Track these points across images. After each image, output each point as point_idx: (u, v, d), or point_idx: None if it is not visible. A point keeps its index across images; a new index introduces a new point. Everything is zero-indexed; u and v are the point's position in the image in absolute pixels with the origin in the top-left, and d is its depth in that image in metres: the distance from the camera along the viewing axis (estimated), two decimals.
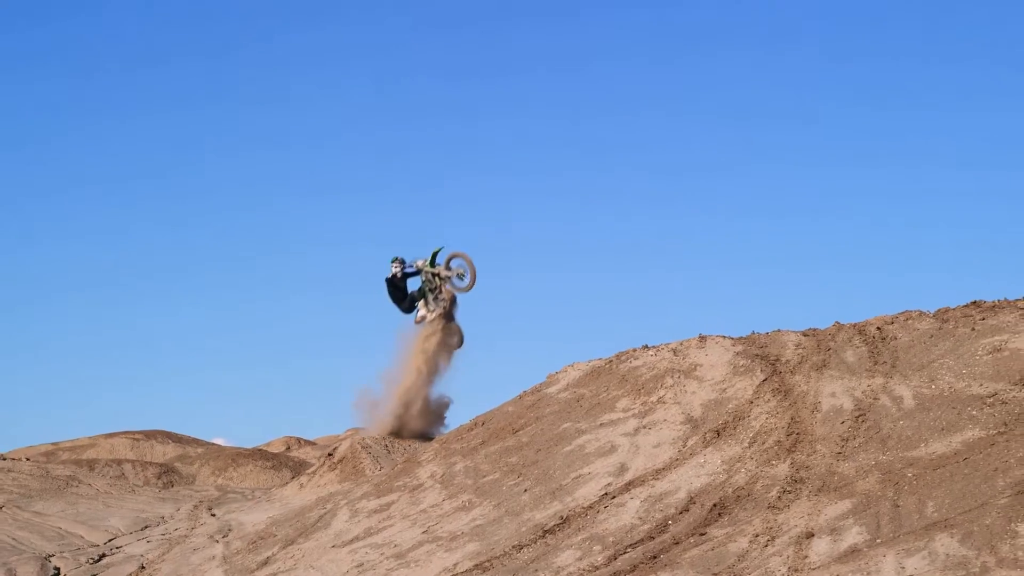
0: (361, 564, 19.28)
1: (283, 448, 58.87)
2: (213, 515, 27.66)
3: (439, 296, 30.33)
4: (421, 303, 30.56)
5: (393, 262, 29.81)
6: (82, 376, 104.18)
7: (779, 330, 21.85)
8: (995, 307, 20.09)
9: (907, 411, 17.33)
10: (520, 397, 23.54)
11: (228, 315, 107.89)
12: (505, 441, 21.51)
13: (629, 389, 21.16)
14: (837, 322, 21.57)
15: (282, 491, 31.75)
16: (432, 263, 29.97)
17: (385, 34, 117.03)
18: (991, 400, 16.80)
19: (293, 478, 34.65)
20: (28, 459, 48.14)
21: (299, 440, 59.36)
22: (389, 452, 33.80)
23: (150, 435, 59.35)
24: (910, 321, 20.38)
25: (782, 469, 16.89)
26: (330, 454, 33.23)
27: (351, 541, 20.70)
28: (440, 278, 30.22)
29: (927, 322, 20.09)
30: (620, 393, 21.15)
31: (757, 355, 20.75)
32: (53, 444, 59.42)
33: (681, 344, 22.16)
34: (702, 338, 22.06)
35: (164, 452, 56.93)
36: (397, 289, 30.37)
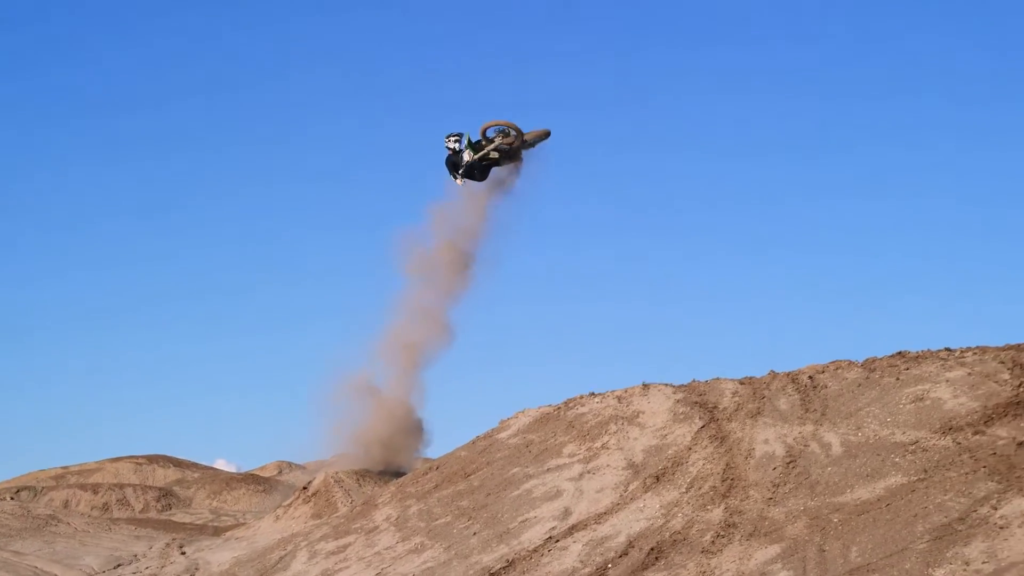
0: None
1: (275, 472, 58.96)
2: (183, 554, 27.19)
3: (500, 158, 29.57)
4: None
5: (448, 139, 28.97)
6: (92, 402, 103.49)
7: (718, 378, 21.65)
8: (919, 357, 19.94)
9: (835, 458, 17.16)
10: (473, 442, 23.27)
11: (234, 340, 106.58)
12: (457, 485, 21.23)
13: (575, 435, 20.93)
14: (772, 370, 21.40)
15: (258, 523, 31.42)
16: (475, 151, 29.14)
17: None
18: (913, 448, 16.66)
19: (283, 500, 34.32)
20: (13, 497, 48.11)
21: (290, 464, 59.16)
22: (360, 485, 33.56)
23: (152, 459, 59.22)
24: (839, 370, 20.21)
25: (717, 514, 16.68)
26: (305, 487, 33.02)
27: None
28: (490, 153, 29.53)
29: (855, 371, 19.94)
30: (567, 439, 20.92)
31: (696, 402, 20.55)
32: (63, 468, 59.40)
33: (625, 391, 21.94)
34: (645, 386, 21.86)
35: (165, 476, 56.87)
36: (455, 166, 29.42)
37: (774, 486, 16.86)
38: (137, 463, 58.47)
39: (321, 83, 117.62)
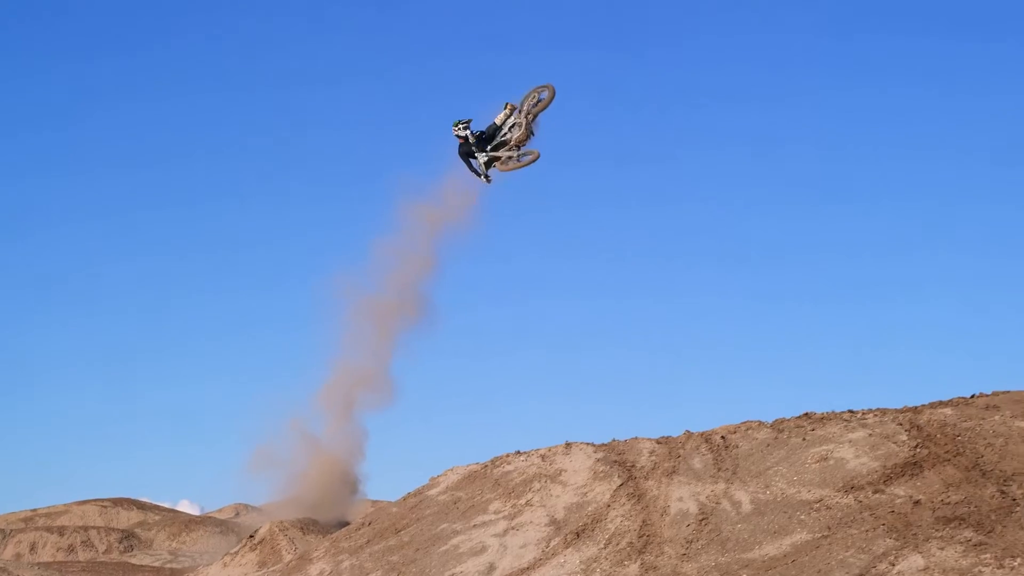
0: None
1: (233, 514, 58.54)
2: None
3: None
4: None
5: (456, 126, 22.30)
6: (61, 445, 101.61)
7: (636, 437, 21.62)
8: (824, 419, 20.05)
9: (745, 515, 17.17)
10: (404, 499, 23.08)
11: (203, 384, 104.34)
12: (388, 540, 21.01)
13: (501, 492, 20.80)
14: (687, 430, 21.41)
15: (207, 570, 30.96)
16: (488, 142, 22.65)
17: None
18: (817, 505, 16.70)
19: (239, 543, 33.87)
20: None
21: (246, 506, 58.60)
22: (304, 534, 33.16)
23: (117, 502, 58.58)
24: (750, 431, 20.28)
25: (633, 570, 16.62)
26: (251, 536, 32.62)
27: None
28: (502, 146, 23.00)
29: (765, 432, 20.01)
30: (493, 496, 20.78)
31: (616, 461, 20.51)
32: (31, 511, 58.64)
33: (549, 450, 21.85)
34: (568, 445, 21.78)
35: (128, 518, 56.35)
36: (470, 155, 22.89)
37: (687, 542, 16.83)
38: (102, 506, 57.93)
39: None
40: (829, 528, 15.89)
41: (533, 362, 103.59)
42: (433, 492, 22.43)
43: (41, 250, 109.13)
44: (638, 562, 16.78)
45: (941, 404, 19.53)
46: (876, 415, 19.68)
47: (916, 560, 14.43)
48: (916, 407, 19.66)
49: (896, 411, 19.52)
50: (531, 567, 17.83)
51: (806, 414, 20.61)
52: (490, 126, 21.62)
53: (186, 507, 63.10)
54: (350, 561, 21.12)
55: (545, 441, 22.20)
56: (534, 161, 21.90)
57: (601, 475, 20.11)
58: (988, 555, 14.23)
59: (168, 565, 44.61)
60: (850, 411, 20.35)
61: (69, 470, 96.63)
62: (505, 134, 21.63)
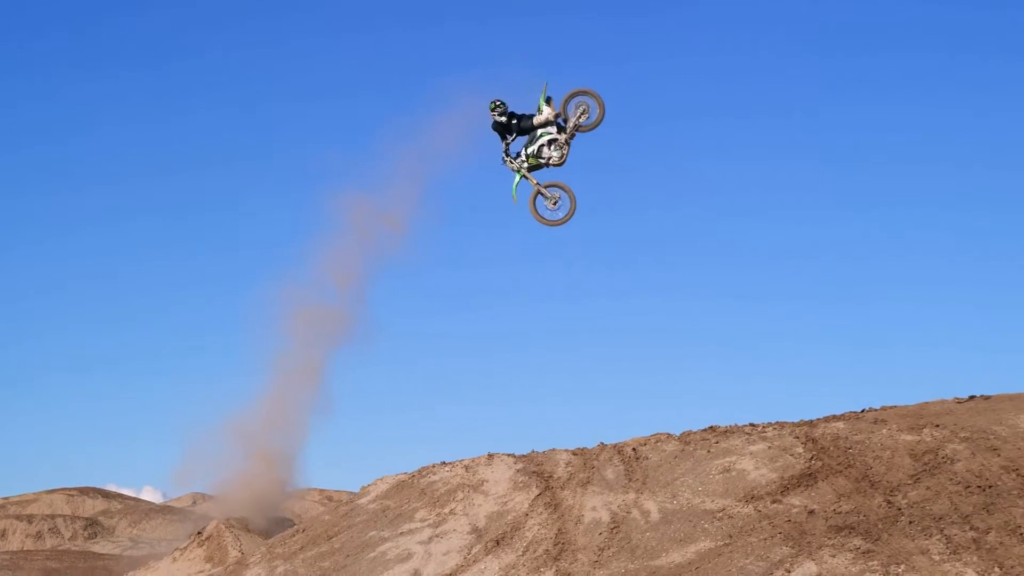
0: None
1: (190, 503, 58.55)
2: None
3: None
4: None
5: (493, 110, 18.48)
6: (33, 433, 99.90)
7: (554, 449, 21.52)
8: (727, 431, 20.07)
9: (653, 524, 17.09)
10: (336, 507, 22.80)
11: (169, 375, 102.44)
12: (320, 547, 20.71)
13: (427, 501, 20.58)
14: (601, 442, 21.34)
15: (157, 564, 30.54)
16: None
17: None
18: (720, 514, 16.67)
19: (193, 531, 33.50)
20: None
21: (203, 495, 58.40)
22: (248, 532, 32.70)
23: (83, 491, 58.69)
24: (659, 443, 20.24)
25: None
26: (199, 532, 32.18)
27: None
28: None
29: (673, 444, 19.98)
30: (419, 505, 20.57)
31: (534, 472, 20.38)
32: (3, 499, 58.70)
33: (473, 461, 21.68)
34: (490, 456, 21.63)
35: (93, 506, 56.43)
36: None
37: (599, 550, 16.72)
38: (70, 494, 58.02)
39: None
40: (731, 536, 15.85)
41: (459, 371, 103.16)
42: (363, 501, 22.17)
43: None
44: (553, 569, 16.64)
45: (834, 418, 19.63)
46: (775, 428, 19.73)
47: (810, 567, 14.43)
48: (812, 421, 19.74)
49: (793, 424, 19.58)
50: (453, 573, 17.63)
51: (711, 427, 20.62)
52: (524, 119, 18.12)
53: (149, 494, 63.20)
54: (284, 567, 20.80)
55: (471, 450, 21.99)
56: (567, 221, 18.15)
57: (520, 485, 19.97)
58: (875, 562, 14.26)
59: (128, 552, 44.60)
60: (751, 424, 20.39)
61: (40, 460, 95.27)
62: (541, 151, 18.22)
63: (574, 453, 21.13)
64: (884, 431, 18.49)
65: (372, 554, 19.40)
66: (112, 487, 61.87)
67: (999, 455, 16.47)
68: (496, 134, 18.52)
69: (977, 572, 13.59)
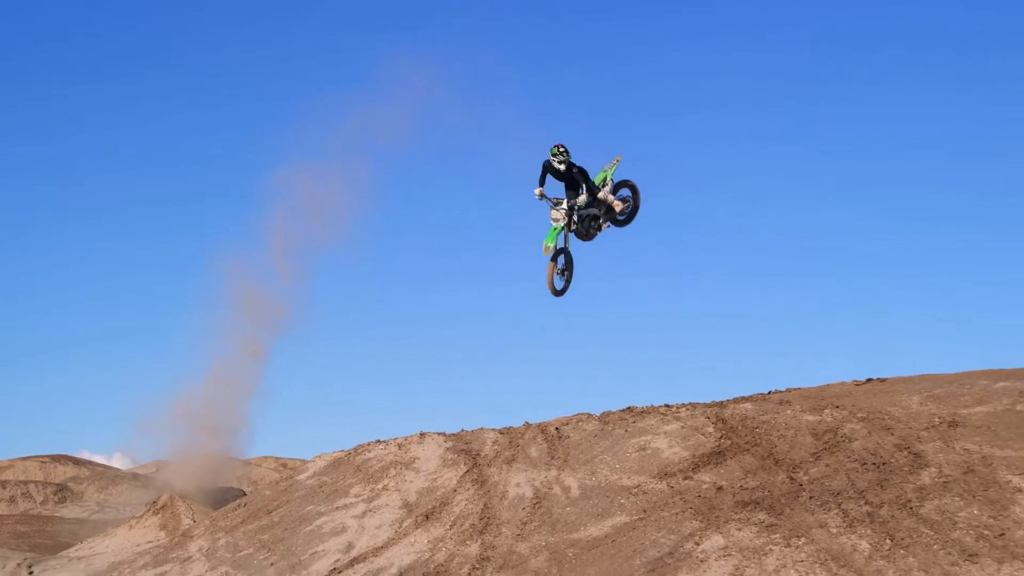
0: None
1: (154, 469, 58.02)
2: (31, 573, 25.74)
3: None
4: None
5: (555, 155, 16.59)
6: (5, 404, 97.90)
7: (482, 428, 21.35)
8: (644, 412, 20.00)
9: (573, 499, 16.98)
10: (276, 483, 22.49)
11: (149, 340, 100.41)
12: (260, 520, 20.40)
13: (361, 477, 20.33)
14: (527, 422, 21.21)
15: (115, 531, 30.07)
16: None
17: None
18: (635, 490, 16.58)
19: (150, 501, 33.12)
20: None
21: (167, 463, 58.21)
22: (201, 502, 32.37)
23: (55, 458, 58.27)
24: (580, 423, 20.13)
25: (474, 548, 16.29)
26: (154, 502, 31.85)
27: None
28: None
29: (593, 424, 19.87)
30: (354, 481, 20.31)
31: (463, 450, 20.20)
32: None
33: (406, 439, 21.46)
34: (422, 435, 21.41)
35: (64, 472, 56.21)
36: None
37: (522, 524, 16.57)
38: (42, 461, 57.78)
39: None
40: (645, 511, 15.77)
41: (394, 353, 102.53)
42: (302, 477, 21.87)
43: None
44: (479, 542, 16.47)
45: (743, 400, 19.63)
46: (688, 409, 19.68)
47: (717, 540, 14.38)
48: (722, 402, 19.74)
49: (705, 406, 19.55)
50: (385, 546, 17.40)
51: (629, 408, 20.55)
52: (582, 175, 16.57)
53: (119, 461, 62.76)
54: (226, 539, 20.47)
55: (404, 430, 21.81)
56: (561, 295, 16.44)
57: (450, 463, 19.78)
58: (778, 535, 14.24)
59: (95, 516, 44.55)
60: (666, 405, 20.33)
61: (16, 429, 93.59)
62: (590, 225, 16.68)
63: (500, 432, 20.97)
64: (788, 412, 18.52)
65: (309, 528, 19.12)
66: (85, 454, 61.74)
67: (892, 434, 16.54)
68: (541, 172, 16.46)
69: (870, 544, 13.60)
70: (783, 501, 15.17)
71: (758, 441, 17.41)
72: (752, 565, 13.50)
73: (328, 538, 18.41)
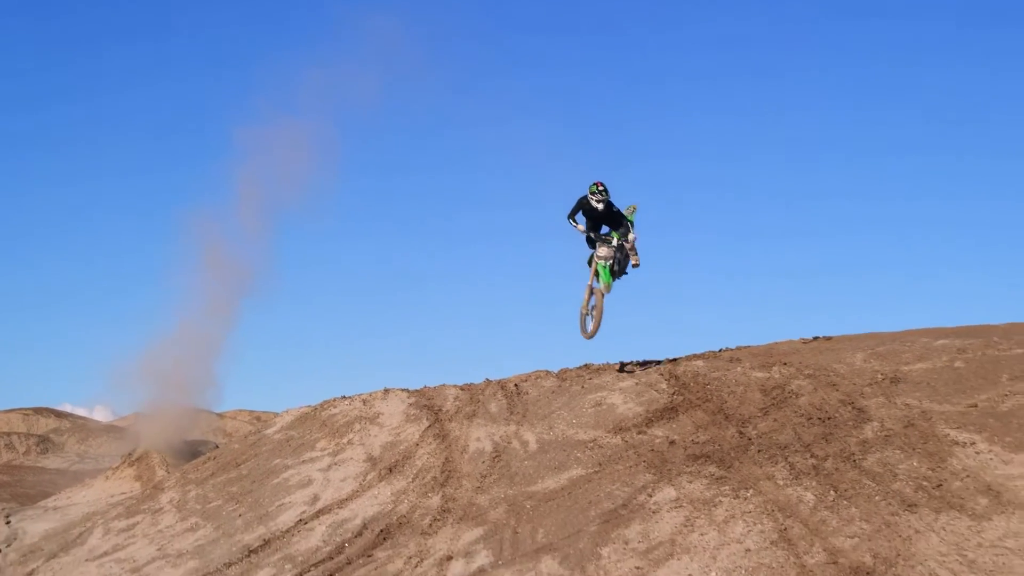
0: None
1: (133, 421, 57.89)
2: (8, 523, 25.44)
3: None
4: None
5: (594, 193, 16.48)
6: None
7: (444, 384, 21.22)
8: (600, 369, 19.94)
9: (531, 453, 16.89)
10: (245, 436, 22.28)
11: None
12: (229, 473, 20.21)
13: (327, 432, 20.17)
14: (487, 378, 21.11)
15: (93, 481, 29.87)
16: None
17: None
18: (591, 445, 16.52)
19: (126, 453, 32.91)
20: None
21: (141, 416, 58.07)
22: (178, 454, 32.25)
23: (38, 411, 58.08)
24: (539, 379, 20.05)
25: (435, 501, 16.19)
26: (129, 454, 31.69)
27: (100, 556, 19.06)
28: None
29: (551, 380, 19.80)
30: (320, 436, 20.14)
31: (425, 405, 20.06)
32: None
33: (370, 395, 21.31)
34: (386, 391, 21.26)
35: (46, 424, 56.03)
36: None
37: (482, 477, 16.48)
38: (25, 414, 57.56)
39: None
40: (600, 464, 15.71)
41: (359, 311, 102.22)
42: (270, 431, 21.68)
43: None
44: (440, 494, 16.37)
45: (695, 357, 19.59)
46: (642, 366, 19.63)
47: (669, 492, 14.33)
48: (675, 359, 19.69)
49: (658, 363, 19.50)
50: (349, 498, 17.27)
51: (586, 365, 20.48)
52: (618, 218, 16.12)
53: (100, 413, 62.56)
54: (196, 491, 20.27)
55: (367, 387, 21.68)
56: (590, 336, 16.52)
57: (412, 418, 19.65)
58: (727, 487, 14.21)
59: (75, 466, 44.86)
60: (621, 362, 20.28)
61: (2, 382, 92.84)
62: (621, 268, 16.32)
63: (462, 389, 20.86)
64: (738, 369, 18.49)
65: (276, 480, 18.96)
66: (67, 407, 61.42)
67: (837, 390, 16.55)
68: (576, 207, 16.30)
69: (815, 495, 13.60)
70: (732, 455, 15.14)
71: (709, 397, 17.37)
72: (702, 516, 13.48)
73: (295, 490, 18.25)
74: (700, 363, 18.88)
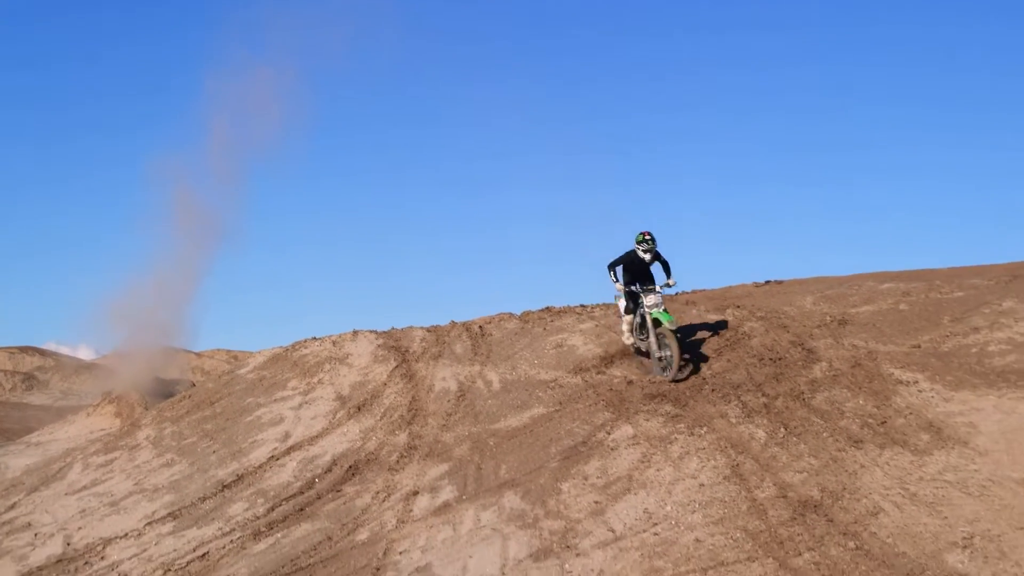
0: (84, 510, 17.55)
1: (114, 360, 57.77)
2: None
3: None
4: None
5: (640, 243, 15.66)
6: None
7: (411, 326, 21.09)
8: (561, 312, 19.87)
9: (495, 392, 16.85)
10: (219, 376, 22.07)
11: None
12: (204, 411, 20.02)
13: (298, 372, 20.01)
14: (453, 320, 21.00)
15: (74, 418, 29.62)
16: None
17: None
18: (552, 384, 16.49)
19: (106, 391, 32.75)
20: None
21: (120, 354, 57.76)
22: (155, 392, 32.06)
23: (23, 349, 57.38)
24: (503, 321, 19.96)
25: (402, 438, 16.13)
26: (108, 392, 31.42)
27: (80, 490, 18.86)
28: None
29: (514, 323, 19.72)
30: (291, 375, 19.99)
31: (393, 346, 19.94)
32: None
33: (340, 337, 21.14)
34: (355, 333, 21.10)
35: (31, 362, 55.51)
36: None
37: (447, 415, 16.42)
38: (11, 352, 56.97)
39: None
40: (561, 403, 15.69)
41: (331, 254, 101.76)
42: (243, 371, 21.47)
43: None
44: (407, 432, 16.30)
45: None
46: (602, 309, 19.58)
47: (627, 429, 14.34)
48: None
49: (613, 306, 19.45)
50: (320, 435, 17.16)
51: (547, 308, 20.40)
52: (663, 267, 15.59)
53: (84, 351, 62.09)
54: (172, 428, 20.07)
55: (337, 329, 21.50)
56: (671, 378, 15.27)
57: (380, 358, 19.52)
58: (682, 425, 14.23)
59: (59, 403, 44.81)
60: (582, 306, 20.21)
61: None
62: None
63: (428, 330, 20.74)
64: (694, 311, 18.49)
65: (249, 418, 18.81)
66: (51, 345, 60.83)
67: (788, 332, 16.58)
68: (621, 261, 15.68)
69: (766, 432, 13.66)
70: (687, 394, 15.16)
71: None
72: (658, 452, 13.50)
73: (267, 428, 18.12)
74: None
